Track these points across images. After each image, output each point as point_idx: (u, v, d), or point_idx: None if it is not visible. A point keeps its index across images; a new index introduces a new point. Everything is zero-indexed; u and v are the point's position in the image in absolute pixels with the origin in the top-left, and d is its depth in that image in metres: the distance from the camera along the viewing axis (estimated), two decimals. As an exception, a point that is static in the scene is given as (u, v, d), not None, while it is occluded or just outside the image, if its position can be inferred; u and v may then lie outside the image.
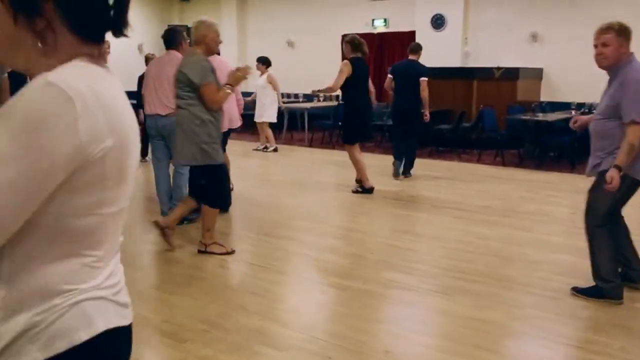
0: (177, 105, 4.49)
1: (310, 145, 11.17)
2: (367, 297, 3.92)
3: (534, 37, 11.54)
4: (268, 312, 3.63)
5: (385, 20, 13.49)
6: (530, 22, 11.55)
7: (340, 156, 8.35)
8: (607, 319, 3.58)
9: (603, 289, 3.81)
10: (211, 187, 4.58)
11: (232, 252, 4.69)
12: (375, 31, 13.62)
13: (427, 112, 7.86)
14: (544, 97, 11.50)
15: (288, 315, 3.62)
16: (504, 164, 9.24)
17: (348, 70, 6.67)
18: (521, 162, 9.31)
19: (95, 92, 1.01)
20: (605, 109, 3.71)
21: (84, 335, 1.08)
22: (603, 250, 3.84)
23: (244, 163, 9.45)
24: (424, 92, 7.69)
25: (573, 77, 11.19)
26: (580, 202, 6.83)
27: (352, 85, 6.74)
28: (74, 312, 1.08)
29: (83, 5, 1.05)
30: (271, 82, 10.29)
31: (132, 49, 14.77)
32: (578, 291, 3.92)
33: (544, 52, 11.51)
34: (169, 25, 13.88)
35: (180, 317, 3.52)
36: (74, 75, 1.01)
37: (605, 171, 3.61)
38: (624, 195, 3.79)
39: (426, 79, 7.70)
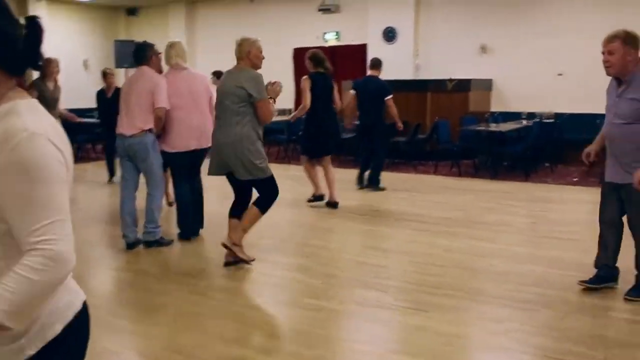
0: (228, 122, 4.45)
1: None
2: (344, 317, 3.85)
3: (483, 48, 11.79)
4: (246, 339, 3.51)
5: (337, 34, 13.54)
6: (479, 34, 11.79)
7: (296, 171, 8.27)
8: (584, 330, 3.61)
9: None
10: (266, 196, 4.63)
11: (252, 260, 4.72)
12: (327, 44, 13.64)
13: (399, 124, 8.03)
14: (494, 108, 11.74)
15: (268, 342, 3.51)
16: (460, 174, 9.36)
17: (308, 85, 6.65)
18: (477, 173, 9.46)
19: (53, 127, 1.34)
20: (630, 113, 3.81)
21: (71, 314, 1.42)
22: None
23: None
24: (393, 110, 7.84)
25: (521, 87, 11.47)
26: (538, 211, 7.06)
27: (312, 101, 6.71)
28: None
29: (8, 49, 1.32)
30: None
31: (77, 65, 14.38)
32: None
33: (493, 64, 11.76)
34: (116, 40, 13.58)
35: (153, 349, 3.36)
36: (39, 119, 1.32)
37: None
38: None
39: (391, 96, 7.80)
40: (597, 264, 4.25)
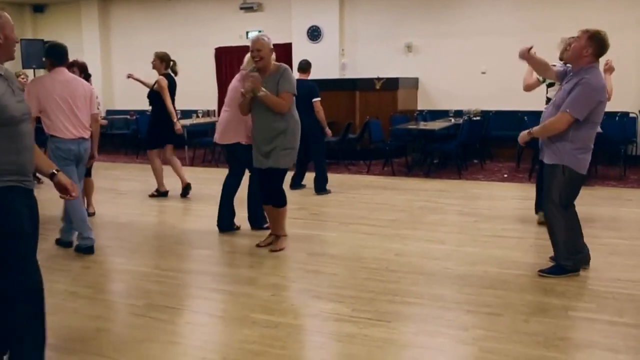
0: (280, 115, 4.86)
1: (192, 164, 10.57)
2: (303, 333, 3.57)
3: (409, 47, 11.82)
4: (200, 366, 3.16)
5: (260, 32, 13.17)
6: (404, 33, 11.82)
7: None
8: (550, 332, 3.50)
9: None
10: (279, 188, 5.07)
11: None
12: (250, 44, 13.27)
13: (327, 130, 7.83)
14: (421, 106, 11.81)
15: (224, 368, 3.18)
16: (393, 173, 9.28)
17: None
18: (410, 171, 9.41)
19: None
20: (559, 102, 4.18)
21: None
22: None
23: (124, 186, 8.71)
24: (320, 113, 7.63)
25: (446, 86, 11.59)
26: (476, 208, 7.03)
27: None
28: None
29: None
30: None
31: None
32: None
33: (419, 62, 11.82)
34: (21, 39, 12.62)
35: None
36: None
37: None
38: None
39: (319, 99, 7.59)
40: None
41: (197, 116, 11.46)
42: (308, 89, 7.50)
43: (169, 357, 3.26)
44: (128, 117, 12.70)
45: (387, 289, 4.24)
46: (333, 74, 11.96)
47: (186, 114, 11.65)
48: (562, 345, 3.33)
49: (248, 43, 14.04)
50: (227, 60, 13.23)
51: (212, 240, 5.65)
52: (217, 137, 5.78)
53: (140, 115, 11.87)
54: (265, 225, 5.71)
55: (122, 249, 5.37)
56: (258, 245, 5.31)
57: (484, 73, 11.34)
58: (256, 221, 5.88)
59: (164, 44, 13.97)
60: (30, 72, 11.69)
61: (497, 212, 6.77)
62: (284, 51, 12.75)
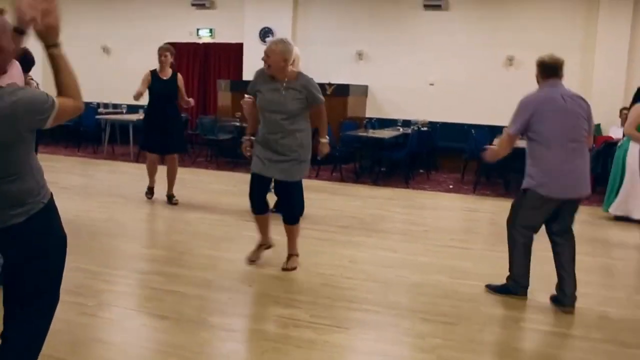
0: (294, 128, 4.52)
1: (137, 161, 10.33)
2: (263, 338, 3.54)
3: (360, 55, 11.95)
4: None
5: (210, 31, 13.04)
6: (356, 40, 11.93)
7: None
8: (504, 343, 3.62)
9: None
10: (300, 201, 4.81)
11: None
12: (201, 41, 13.12)
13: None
14: (369, 114, 11.94)
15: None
16: (342, 179, 9.35)
17: None
18: (358, 178, 9.50)
19: None
20: None
21: None
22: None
23: (64, 180, 8.41)
24: None
25: (395, 95, 11.78)
26: (425, 218, 7.18)
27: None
28: None
29: None
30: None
31: None
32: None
33: (369, 70, 11.96)
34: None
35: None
36: None
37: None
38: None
39: None
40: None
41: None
42: None
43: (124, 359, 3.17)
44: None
45: (344, 295, 4.27)
46: (283, 76, 11.92)
47: (133, 108, 11.39)
48: (516, 356, 3.44)
49: (199, 40, 13.85)
50: (177, 56, 12.95)
51: (165, 241, 5.54)
52: None
53: (88, 109, 11.49)
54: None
55: (70, 246, 5.15)
56: (250, 261, 4.95)
57: (432, 85, 11.59)
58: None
59: (113, 37, 13.65)
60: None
61: (445, 222, 6.93)
62: (235, 51, 12.67)
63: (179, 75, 7.10)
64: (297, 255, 4.88)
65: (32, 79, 6.24)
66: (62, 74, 2.18)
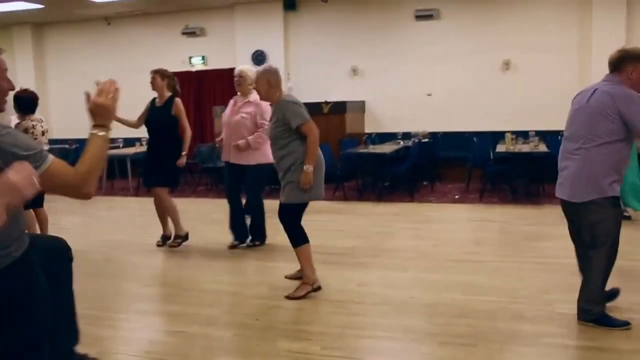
0: (284, 153, 4.56)
1: (136, 195, 10.19)
2: (273, 377, 3.35)
3: (354, 71, 11.84)
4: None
5: (203, 58, 12.98)
6: (350, 56, 11.84)
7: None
8: None
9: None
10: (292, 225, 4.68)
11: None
12: (194, 69, 13.04)
13: None
14: (368, 129, 11.80)
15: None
16: (345, 198, 9.18)
17: None
18: (362, 195, 9.33)
19: None
20: None
21: None
22: None
23: (64, 220, 8.25)
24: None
25: (393, 109, 11.65)
26: (433, 232, 6.99)
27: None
28: None
29: None
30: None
31: None
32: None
33: (365, 86, 11.84)
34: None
35: None
36: None
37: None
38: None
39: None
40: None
41: (141, 144, 11.07)
42: None
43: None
44: (67, 146, 12.16)
45: (355, 322, 4.07)
46: (279, 98, 11.82)
47: (130, 141, 11.27)
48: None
49: (192, 69, 13.81)
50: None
51: (166, 277, 5.37)
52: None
53: (79, 144, 11.39)
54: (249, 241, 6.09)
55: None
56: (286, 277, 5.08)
57: (429, 95, 11.45)
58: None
59: (104, 69, 13.56)
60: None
61: (454, 235, 6.74)
62: (228, 76, 12.51)
63: (176, 100, 6.23)
64: (306, 283, 4.67)
65: (33, 120, 6.09)
66: (89, 154, 2.04)
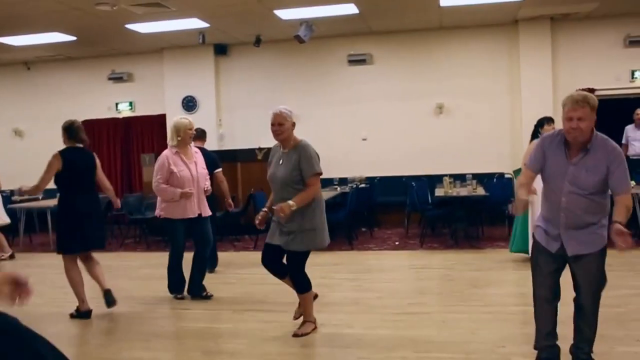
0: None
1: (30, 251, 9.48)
2: None
3: (289, 116, 11.61)
4: None
5: (130, 104, 12.49)
6: (282, 101, 11.39)
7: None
8: None
9: None
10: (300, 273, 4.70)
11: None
12: (120, 115, 12.53)
13: (229, 200, 7.25)
14: (304, 175, 11.54)
15: None
16: (283, 247, 8.80)
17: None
18: (300, 244, 8.98)
19: None
20: (594, 184, 3.41)
21: None
22: None
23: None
24: (224, 184, 7.19)
25: (327, 154, 11.39)
26: (376, 282, 6.70)
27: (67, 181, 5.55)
28: None
29: None
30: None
31: None
32: None
33: (299, 130, 11.56)
34: None
35: None
36: None
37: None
38: None
39: (220, 169, 7.19)
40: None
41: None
42: (211, 160, 6.95)
43: None
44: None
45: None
46: (211, 145, 11.34)
47: (50, 192, 10.54)
48: None
49: (119, 115, 13.28)
50: (97, 134, 12.33)
51: (88, 350, 4.82)
52: None
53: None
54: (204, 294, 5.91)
55: None
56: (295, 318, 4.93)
57: (364, 140, 11.37)
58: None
59: (26, 117, 12.84)
60: None
61: (398, 285, 6.49)
62: (158, 123, 12.13)
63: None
64: (310, 321, 4.74)
65: None
66: None
